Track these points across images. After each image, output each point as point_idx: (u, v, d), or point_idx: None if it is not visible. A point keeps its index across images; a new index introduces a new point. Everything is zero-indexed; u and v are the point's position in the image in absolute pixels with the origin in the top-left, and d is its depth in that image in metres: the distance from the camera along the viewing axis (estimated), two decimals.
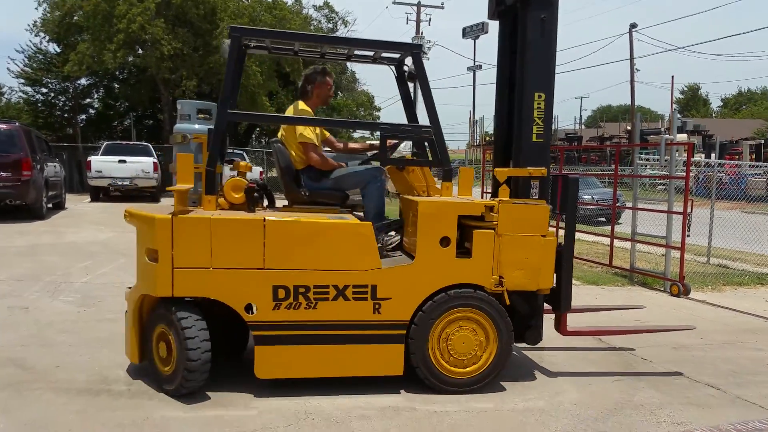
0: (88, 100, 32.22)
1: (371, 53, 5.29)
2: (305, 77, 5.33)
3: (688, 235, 8.61)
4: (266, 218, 4.23)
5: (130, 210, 4.62)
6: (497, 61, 5.23)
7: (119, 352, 5.02)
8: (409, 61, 5.08)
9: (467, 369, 4.55)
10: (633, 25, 37.01)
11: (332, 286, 4.29)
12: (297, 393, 4.32)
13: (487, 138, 45.26)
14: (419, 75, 4.81)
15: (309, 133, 5.06)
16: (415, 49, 4.90)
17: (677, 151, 9.06)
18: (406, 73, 5.35)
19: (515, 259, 4.56)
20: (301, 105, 5.25)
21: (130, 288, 4.62)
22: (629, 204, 10.71)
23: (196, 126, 4.64)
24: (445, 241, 4.46)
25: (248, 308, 4.21)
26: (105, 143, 22.06)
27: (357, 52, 5.39)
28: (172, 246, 4.12)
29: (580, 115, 79.37)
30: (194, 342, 4.04)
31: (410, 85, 5.70)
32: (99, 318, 6.07)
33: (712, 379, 5.15)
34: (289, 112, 5.36)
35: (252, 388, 4.34)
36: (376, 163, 5.30)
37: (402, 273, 4.43)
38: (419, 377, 4.48)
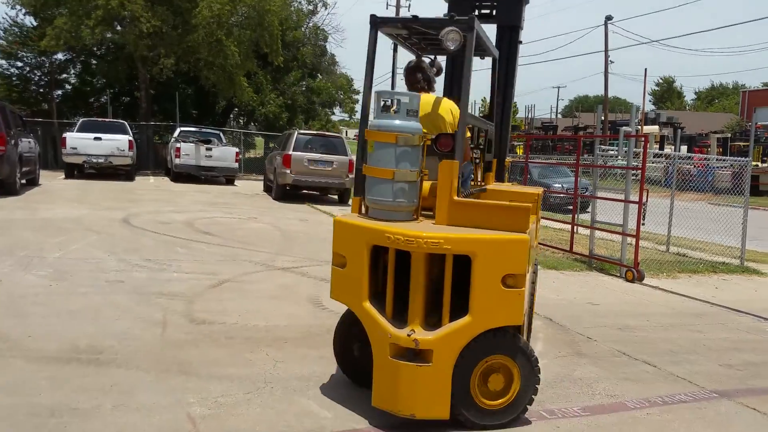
0: (64, 75, 31.84)
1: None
2: (426, 69, 4.89)
3: (643, 224, 9.00)
4: None
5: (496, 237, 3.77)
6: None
7: (89, 323, 5.27)
8: None
9: None
10: (608, 18, 37.46)
11: None
12: None
13: None
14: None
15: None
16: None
17: (640, 142, 9.42)
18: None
19: None
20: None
21: (431, 333, 3.68)
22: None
23: (397, 122, 3.87)
24: None
25: None
26: (81, 120, 21.95)
27: None
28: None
29: (557, 105, 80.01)
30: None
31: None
32: (71, 292, 6.28)
33: (650, 357, 5.51)
34: (436, 104, 4.75)
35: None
36: None
37: None
38: None
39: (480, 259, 3.66)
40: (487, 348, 3.75)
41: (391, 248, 3.77)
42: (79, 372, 4.27)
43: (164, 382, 4.19)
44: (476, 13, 5.26)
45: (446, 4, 5.34)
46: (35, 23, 27.97)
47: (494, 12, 5.38)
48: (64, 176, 19.91)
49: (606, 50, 37.48)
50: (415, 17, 4.24)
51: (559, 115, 74.50)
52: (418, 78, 4.81)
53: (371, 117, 4.09)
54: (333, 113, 39.20)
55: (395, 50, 5.16)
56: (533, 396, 3.93)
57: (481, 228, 3.82)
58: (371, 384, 3.88)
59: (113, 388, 4.03)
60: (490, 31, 5.09)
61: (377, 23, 4.21)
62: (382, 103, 3.98)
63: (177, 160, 20.73)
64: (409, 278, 3.77)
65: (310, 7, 35.43)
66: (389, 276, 3.85)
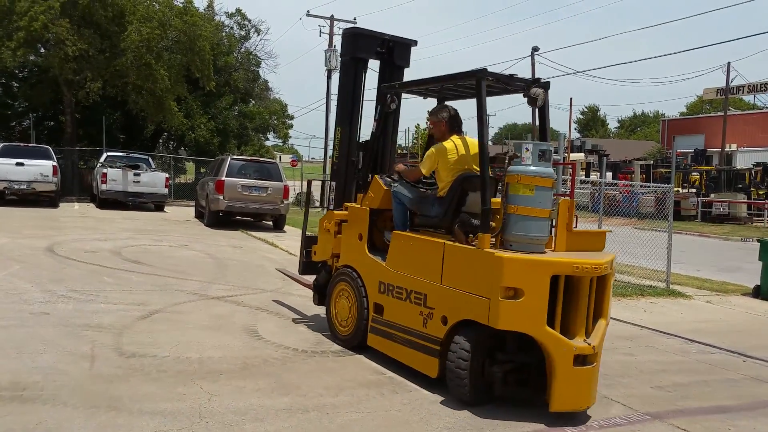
0: None
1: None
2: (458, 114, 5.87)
3: None
4: None
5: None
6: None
7: (12, 358, 5.03)
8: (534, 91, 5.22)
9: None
10: (535, 49, 38.62)
11: None
12: None
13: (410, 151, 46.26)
14: (477, 101, 4.98)
15: None
16: (478, 75, 5.02)
17: (569, 169, 9.70)
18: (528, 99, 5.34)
19: None
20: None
21: (591, 339, 4.73)
22: None
23: (533, 168, 4.62)
24: None
25: None
26: (1, 144, 21.09)
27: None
28: None
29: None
30: None
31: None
32: None
33: None
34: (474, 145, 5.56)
35: None
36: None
37: None
38: None
39: (611, 274, 4.95)
40: None
41: (562, 276, 4.53)
42: (1, 410, 4.04)
43: (93, 419, 4.00)
44: (375, 54, 6.68)
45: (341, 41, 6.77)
46: None
47: (387, 55, 6.73)
48: None
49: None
50: (512, 75, 5.31)
51: (490, 143, 76.21)
52: (460, 122, 5.75)
53: (527, 163, 4.70)
54: (267, 138, 38.86)
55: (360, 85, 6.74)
56: None
57: (582, 251, 4.94)
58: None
59: (38, 426, 3.83)
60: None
61: (484, 77, 4.98)
62: (526, 150, 4.71)
63: (103, 186, 20.10)
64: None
65: (243, 32, 35.30)
66: (559, 300, 4.55)
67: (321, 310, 6.87)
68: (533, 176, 4.65)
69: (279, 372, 5.25)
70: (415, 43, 6.88)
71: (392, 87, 6.26)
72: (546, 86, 5.22)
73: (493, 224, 4.79)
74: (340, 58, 6.68)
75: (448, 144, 5.50)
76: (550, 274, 4.46)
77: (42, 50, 24.90)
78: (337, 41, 35.90)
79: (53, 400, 4.24)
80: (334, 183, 6.74)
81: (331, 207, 6.64)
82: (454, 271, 4.90)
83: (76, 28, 22.79)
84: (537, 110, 5.50)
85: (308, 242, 6.95)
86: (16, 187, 18.56)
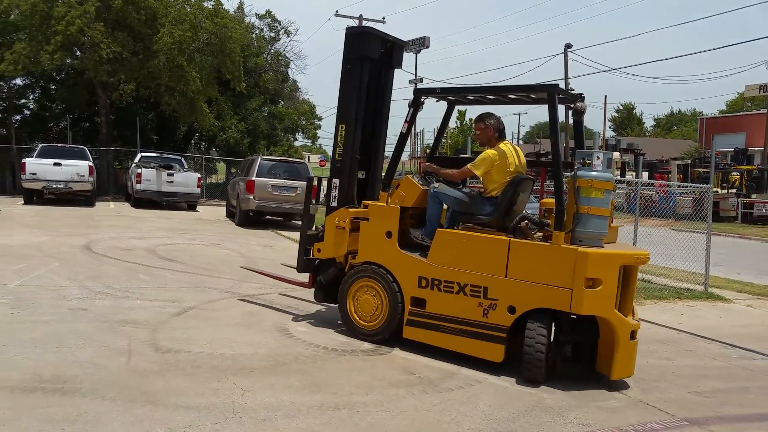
0: (23, 100, 31.32)
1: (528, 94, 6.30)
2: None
3: None
4: None
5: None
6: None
7: (52, 352, 5.14)
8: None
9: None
10: (568, 46, 38.14)
11: None
12: None
13: (427, 150, 45.92)
14: (550, 114, 5.59)
15: None
16: (550, 90, 5.73)
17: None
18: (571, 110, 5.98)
19: None
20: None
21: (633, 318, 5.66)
22: None
23: (605, 174, 5.44)
24: None
25: None
26: (40, 145, 21.60)
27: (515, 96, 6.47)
28: None
29: (518, 132, 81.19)
30: None
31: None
32: (33, 320, 6.12)
33: (620, 385, 5.54)
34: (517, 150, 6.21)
35: None
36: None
37: None
38: None
39: None
40: None
41: (624, 266, 5.40)
42: (43, 402, 4.15)
43: (130, 412, 4.08)
44: (379, 54, 6.83)
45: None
46: None
47: (386, 55, 6.93)
48: (23, 202, 19.48)
49: (566, 78, 38.08)
50: (580, 94, 5.93)
51: (521, 142, 75.61)
52: (504, 128, 6.19)
53: (598, 169, 5.32)
54: (295, 139, 39.09)
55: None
56: None
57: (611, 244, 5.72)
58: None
59: (79, 417, 3.93)
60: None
61: (556, 91, 5.70)
62: (597, 158, 5.32)
63: (138, 186, 20.44)
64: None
65: (272, 34, 35.57)
66: (619, 286, 5.37)
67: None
68: (605, 181, 5.33)
69: (310, 370, 5.29)
70: (408, 45, 7.13)
71: (432, 91, 6.58)
72: (583, 98, 5.90)
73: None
74: (345, 56, 6.63)
75: (504, 148, 5.94)
76: (620, 264, 5.35)
77: (78, 53, 25.40)
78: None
79: (92, 393, 4.33)
80: (337, 181, 6.68)
81: (334, 204, 6.60)
82: (522, 265, 5.43)
83: (110, 31, 23.23)
84: (575, 120, 6.08)
85: (308, 240, 6.88)
86: (54, 186, 18.98)
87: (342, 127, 6.64)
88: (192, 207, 21.86)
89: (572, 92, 5.98)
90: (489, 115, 6.18)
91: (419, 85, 6.14)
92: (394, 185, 6.29)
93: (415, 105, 6.36)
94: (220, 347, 5.68)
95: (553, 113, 5.52)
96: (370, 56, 6.69)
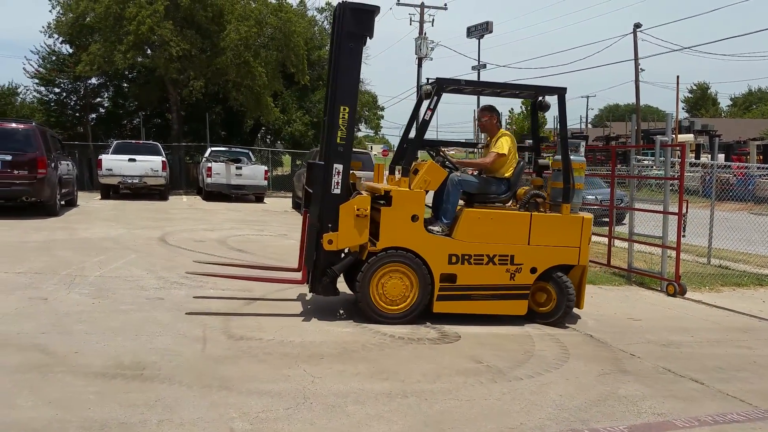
0: (98, 99, 32.63)
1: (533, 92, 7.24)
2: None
3: (684, 236, 8.80)
4: None
5: None
6: (328, 77, 6.84)
7: (131, 339, 5.35)
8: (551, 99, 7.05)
9: None
10: (637, 26, 36.97)
11: None
12: None
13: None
14: (560, 112, 6.76)
15: None
16: (560, 91, 6.88)
17: (677, 151, 9.26)
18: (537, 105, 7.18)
19: None
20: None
21: None
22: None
23: (579, 158, 7.22)
24: None
25: None
26: (115, 142, 22.44)
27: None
28: None
29: (586, 114, 79.25)
30: None
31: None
32: (113, 309, 6.37)
33: (697, 374, 5.37)
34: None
35: None
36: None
37: None
38: None
39: None
40: None
41: None
42: (124, 387, 4.31)
43: (206, 398, 4.21)
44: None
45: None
46: (71, 50, 28.72)
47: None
48: (100, 197, 20.28)
49: (636, 58, 37.04)
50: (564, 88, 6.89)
51: (590, 125, 73.79)
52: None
53: (580, 154, 7.32)
54: (359, 130, 39.30)
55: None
56: None
57: None
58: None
59: (158, 402, 4.07)
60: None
61: (565, 92, 6.94)
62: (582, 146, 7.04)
63: (208, 180, 20.99)
64: None
65: None
66: None
67: None
68: (581, 163, 6.99)
69: (377, 357, 5.33)
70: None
71: (457, 82, 7.08)
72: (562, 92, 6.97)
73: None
74: (349, 33, 6.34)
75: (511, 135, 7.03)
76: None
77: (149, 52, 26.21)
78: (428, 28, 35.61)
79: (170, 379, 4.48)
80: (340, 166, 6.39)
81: (337, 192, 6.38)
82: (541, 233, 6.59)
83: (179, 29, 23.88)
84: (535, 112, 7.48)
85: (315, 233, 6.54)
86: (129, 181, 19.69)
87: (345, 108, 6.35)
88: (259, 199, 22.31)
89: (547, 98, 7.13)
90: (493, 107, 7.15)
91: (442, 77, 6.09)
92: (411, 170, 6.55)
93: (438, 94, 6.66)
94: (289, 335, 5.78)
95: (562, 112, 6.75)
96: (366, 34, 6.47)
